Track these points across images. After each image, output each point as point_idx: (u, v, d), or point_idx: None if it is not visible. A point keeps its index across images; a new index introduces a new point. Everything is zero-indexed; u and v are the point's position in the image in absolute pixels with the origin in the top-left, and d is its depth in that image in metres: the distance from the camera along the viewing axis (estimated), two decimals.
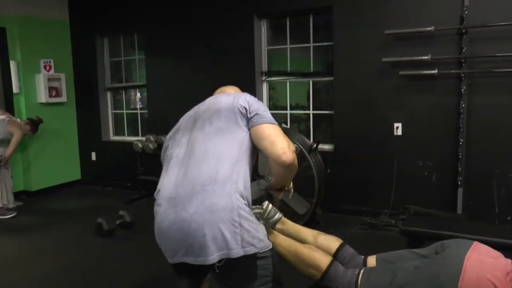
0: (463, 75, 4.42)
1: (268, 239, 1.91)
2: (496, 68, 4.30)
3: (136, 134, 6.89)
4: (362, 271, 2.10)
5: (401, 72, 4.61)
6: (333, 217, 4.91)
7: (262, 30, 5.55)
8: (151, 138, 5.98)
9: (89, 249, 4.34)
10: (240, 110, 1.93)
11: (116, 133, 7.10)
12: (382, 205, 4.81)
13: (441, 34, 4.49)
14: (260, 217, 2.32)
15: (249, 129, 1.93)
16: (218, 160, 1.84)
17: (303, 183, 4.56)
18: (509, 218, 4.41)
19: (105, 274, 3.76)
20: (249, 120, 1.93)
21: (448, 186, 4.60)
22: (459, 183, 4.50)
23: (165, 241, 1.87)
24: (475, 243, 2.03)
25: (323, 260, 2.16)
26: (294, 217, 4.41)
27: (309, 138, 5.28)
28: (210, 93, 2.29)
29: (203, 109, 2.05)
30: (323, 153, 4.93)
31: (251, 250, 1.77)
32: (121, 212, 4.81)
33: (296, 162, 1.90)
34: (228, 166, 1.83)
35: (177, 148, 1.99)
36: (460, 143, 4.46)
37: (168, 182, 1.90)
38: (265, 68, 5.59)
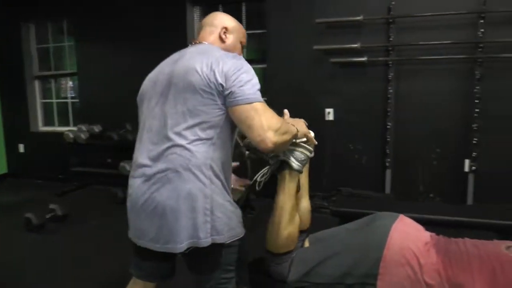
0: (390, 62, 4.65)
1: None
2: (421, 56, 4.57)
3: (67, 124, 6.65)
4: (295, 253, 2.18)
5: (332, 60, 4.78)
6: (266, 202, 4.96)
7: (195, 17, 5.53)
8: (83, 128, 5.82)
9: (16, 245, 4.13)
10: (216, 88, 1.70)
11: (46, 123, 6.83)
12: (315, 188, 4.90)
13: (370, 23, 4.69)
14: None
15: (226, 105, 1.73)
16: (192, 144, 1.71)
17: (237, 170, 4.64)
18: (431, 195, 4.74)
19: (33, 269, 3.59)
20: (225, 98, 1.70)
21: (377, 168, 4.85)
22: (387, 164, 4.76)
23: (136, 218, 1.81)
24: (401, 215, 2.17)
25: (290, 244, 2.16)
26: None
27: None
28: (142, 80, 2.03)
29: (179, 72, 1.77)
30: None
31: (219, 239, 1.73)
32: (51, 206, 4.61)
33: (280, 143, 1.72)
34: (204, 150, 1.71)
35: (150, 119, 1.82)
36: (388, 127, 4.71)
37: (142, 157, 1.79)
38: None
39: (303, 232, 2.33)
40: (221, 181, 1.76)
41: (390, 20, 4.60)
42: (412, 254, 1.89)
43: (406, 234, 1.99)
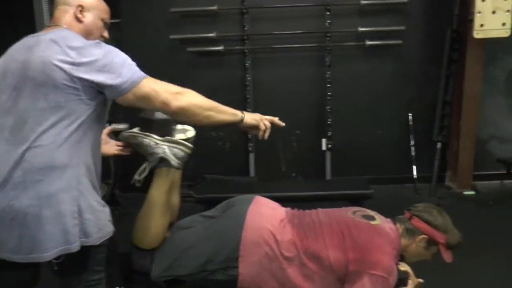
0: (246, 51, 4.80)
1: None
2: (275, 45, 4.80)
3: None
4: None
5: (189, 49, 4.78)
6: (133, 196, 4.86)
7: (43, 2, 5.13)
8: None
9: None
10: (81, 82, 1.57)
11: None
12: (181, 178, 4.93)
13: (225, 13, 4.78)
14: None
15: (110, 96, 1.64)
16: (55, 143, 1.55)
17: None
18: (293, 174, 5.04)
19: None
20: (103, 92, 1.61)
21: (240, 153, 5.01)
22: (250, 149, 4.93)
23: None
24: (256, 197, 2.25)
25: (157, 241, 2.11)
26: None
27: None
28: None
29: (35, 63, 1.57)
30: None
31: (88, 242, 1.61)
32: None
33: (187, 102, 1.76)
34: (69, 148, 1.57)
35: (3, 115, 1.60)
36: None
37: None
38: None
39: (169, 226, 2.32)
40: (88, 180, 1.65)
41: (244, 10, 4.74)
42: (269, 232, 1.98)
43: (262, 215, 2.08)
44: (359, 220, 2.04)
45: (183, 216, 2.34)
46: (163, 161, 2.12)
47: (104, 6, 1.91)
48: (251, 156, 4.93)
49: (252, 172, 4.92)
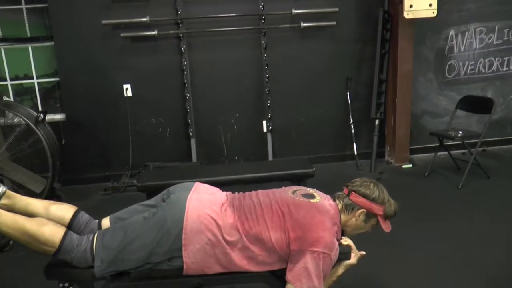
0: (181, 35, 4.73)
1: None
2: (211, 28, 4.75)
3: None
4: (96, 235, 2.04)
5: (122, 34, 4.65)
6: (75, 189, 4.74)
7: None
8: None
9: None
10: None
11: None
12: (123, 167, 4.86)
13: None
14: None
15: None
16: None
17: (35, 159, 4.30)
18: (236, 158, 5.04)
19: None
20: None
21: (182, 139, 4.96)
22: (191, 134, 4.88)
23: None
24: (196, 184, 2.19)
25: (56, 234, 1.98)
26: (32, 196, 4.13)
27: (37, 110, 4.92)
28: None
29: None
30: (55, 123, 4.70)
31: None
32: None
33: None
34: None
35: None
36: (187, 98, 4.81)
37: None
38: None
39: (75, 217, 2.20)
40: None
41: None
42: (210, 218, 1.94)
43: (202, 201, 2.02)
44: (299, 199, 2.05)
45: (127, 204, 2.28)
46: None
47: None
48: (193, 142, 4.88)
49: (194, 158, 4.87)
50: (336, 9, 4.79)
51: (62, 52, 4.77)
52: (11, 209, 2.11)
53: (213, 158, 5.00)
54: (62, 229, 2.03)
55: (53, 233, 1.98)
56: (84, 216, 2.24)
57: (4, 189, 2.14)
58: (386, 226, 2.11)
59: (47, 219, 2.08)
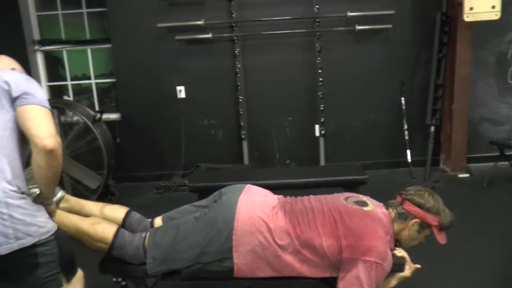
0: (235, 38, 4.76)
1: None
2: (265, 31, 4.76)
3: None
4: (148, 233, 2.10)
5: (177, 37, 4.73)
6: (128, 186, 4.85)
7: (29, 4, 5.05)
8: None
9: None
10: (5, 89, 1.68)
11: None
12: (175, 167, 4.94)
13: (212, 1, 4.74)
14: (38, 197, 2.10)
15: (15, 106, 1.68)
16: None
17: (91, 156, 4.44)
18: (287, 161, 5.01)
19: None
20: (15, 100, 1.67)
21: (234, 141, 4.98)
22: (243, 136, 4.89)
23: None
24: (247, 186, 2.20)
25: (108, 231, 2.07)
26: (87, 191, 4.28)
27: (94, 109, 5.08)
28: None
29: None
30: (110, 123, 4.83)
31: (28, 242, 1.62)
32: None
33: (59, 153, 1.69)
34: None
35: None
36: (240, 100, 4.83)
37: None
38: (37, 36, 5.07)
39: (127, 217, 2.29)
40: (15, 184, 1.67)
41: None
42: (261, 221, 1.94)
43: (253, 203, 2.03)
44: (351, 207, 2.01)
45: (177, 204, 2.32)
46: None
47: None
48: (245, 144, 4.89)
49: (246, 160, 4.89)
50: (392, 12, 4.68)
51: (119, 54, 4.91)
52: (69, 211, 2.22)
53: (264, 161, 5.00)
54: (114, 226, 2.12)
55: (105, 231, 2.07)
56: (136, 215, 2.33)
57: (63, 194, 2.28)
58: (441, 238, 2.02)
59: (100, 218, 2.18)
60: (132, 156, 5.00)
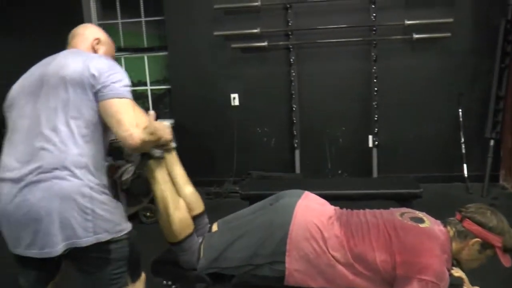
0: (291, 46, 4.76)
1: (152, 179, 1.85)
2: (320, 39, 4.74)
3: None
4: (203, 238, 2.13)
5: (233, 45, 4.79)
6: None
7: (91, 3, 5.28)
8: None
9: None
10: (90, 82, 1.67)
11: None
12: (226, 173, 4.99)
13: (268, 9, 4.76)
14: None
15: (97, 99, 1.70)
16: (66, 141, 1.64)
17: None
18: (339, 171, 4.96)
19: None
20: (97, 92, 1.68)
21: (286, 149, 4.98)
22: (296, 145, 4.89)
23: (8, 226, 1.67)
24: (306, 192, 2.17)
25: (183, 229, 2.07)
26: (140, 196, 4.36)
27: None
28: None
29: (51, 71, 1.73)
30: None
31: (104, 237, 1.67)
32: None
33: (149, 139, 1.70)
34: (77, 147, 1.65)
35: (21, 118, 1.73)
36: (293, 109, 4.83)
37: (11, 159, 1.68)
38: None
39: (200, 216, 2.30)
40: (99, 178, 1.71)
41: (288, 6, 4.70)
42: (317, 228, 1.92)
43: (311, 210, 2.01)
44: (407, 223, 1.94)
45: (228, 211, 2.33)
46: (145, 156, 2.06)
47: (114, 46, 2.10)
48: (297, 153, 4.89)
49: (297, 169, 4.88)
50: (451, 20, 4.53)
51: (175, 61, 5.02)
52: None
53: (316, 171, 4.96)
54: (190, 227, 2.11)
55: (182, 226, 2.06)
56: (205, 220, 2.32)
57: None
58: (505, 260, 1.92)
59: (185, 210, 2.13)
60: (185, 161, 5.03)
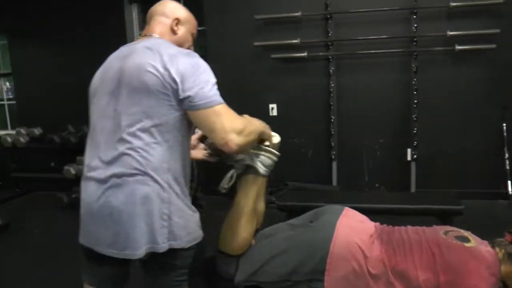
0: (330, 57, 4.75)
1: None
2: (360, 50, 4.71)
3: (4, 127, 6.35)
4: None
5: (272, 56, 4.83)
6: (216, 199, 4.95)
7: (134, 14, 5.42)
8: (22, 131, 5.55)
9: None
10: (173, 88, 1.60)
11: None
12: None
13: (308, 19, 4.77)
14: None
15: (184, 107, 1.64)
16: (147, 147, 1.62)
17: None
18: (377, 185, 4.91)
19: None
20: (182, 100, 1.60)
21: (323, 161, 4.97)
22: (333, 157, 4.88)
23: (91, 224, 1.70)
24: (346, 209, 2.19)
25: (242, 247, 2.11)
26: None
27: None
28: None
29: (129, 70, 1.67)
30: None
31: (177, 244, 1.67)
32: None
33: (245, 142, 1.68)
34: (161, 152, 1.63)
35: (103, 119, 1.71)
36: (332, 120, 4.82)
37: (96, 160, 1.69)
38: None
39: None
40: (179, 184, 1.69)
41: (328, 16, 4.70)
42: (357, 248, 1.91)
43: (351, 228, 2.01)
44: (451, 241, 1.90)
45: (265, 221, 2.32)
46: (249, 168, 2.11)
47: (195, 22, 1.99)
48: (334, 164, 4.88)
49: (334, 181, 4.87)
50: (497, 30, 4.39)
51: (214, 71, 5.03)
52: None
53: (353, 183, 4.93)
54: (248, 246, 2.14)
55: (244, 244, 2.10)
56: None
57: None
58: None
59: (255, 227, 2.17)
60: (220, 170, 5.10)
